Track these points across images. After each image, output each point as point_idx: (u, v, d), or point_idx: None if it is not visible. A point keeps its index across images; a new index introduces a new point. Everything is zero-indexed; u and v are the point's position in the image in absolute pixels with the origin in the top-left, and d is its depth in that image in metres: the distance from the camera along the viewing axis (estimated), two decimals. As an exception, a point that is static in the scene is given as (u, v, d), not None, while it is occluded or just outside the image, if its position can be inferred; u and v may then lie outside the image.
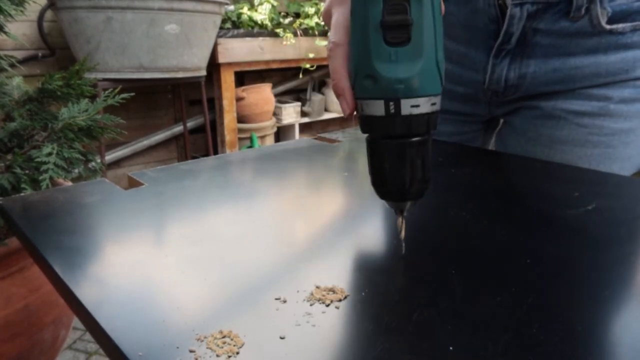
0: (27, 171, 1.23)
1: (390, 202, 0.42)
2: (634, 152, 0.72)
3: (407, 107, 0.37)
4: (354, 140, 0.83)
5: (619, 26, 0.65)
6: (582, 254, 0.43)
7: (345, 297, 0.36)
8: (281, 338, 0.32)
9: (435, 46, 0.37)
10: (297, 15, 3.14)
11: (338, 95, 0.42)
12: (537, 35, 0.68)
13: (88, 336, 1.78)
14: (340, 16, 0.43)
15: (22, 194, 0.55)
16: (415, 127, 0.37)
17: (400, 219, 0.42)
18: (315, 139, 0.82)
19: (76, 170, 1.36)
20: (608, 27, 0.65)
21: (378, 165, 0.40)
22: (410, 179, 0.39)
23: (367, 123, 0.39)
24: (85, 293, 0.36)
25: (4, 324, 1.20)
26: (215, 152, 2.92)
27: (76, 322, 1.67)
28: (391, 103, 0.37)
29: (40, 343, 1.31)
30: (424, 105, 0.37)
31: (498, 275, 0.39)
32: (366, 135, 0.40)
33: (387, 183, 0.40)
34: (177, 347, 0.30)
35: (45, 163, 1.19)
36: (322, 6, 0.47)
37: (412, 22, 0.35)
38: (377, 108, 0.37)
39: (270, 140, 3.17)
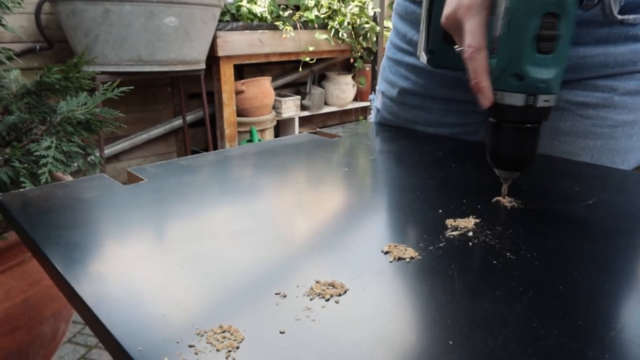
0: (25, 165, 1.22)
1: (506, 171, 0.52)
2: (637, 144, 0.71)
3: (542, 101, 0.47)
4: (353, 135, 0.82)
5: (630, 17, 0.65)
6: (582, 248, 0.43)
7: (345, 292, 0.36)
8: (281, 333, 0.32)
9: (568, 56, 0.47)
10: (296, 8, 3.13)
11: (478, 91, 0.50)
12: None
13: (88, 330, 1.78)
14: (475, 24, 0.50)
15: (21, 190, 0.55)
16: (542, 116, 0.48)
17: (504, 190, 0.53)
18: (315, 133, 0.82)
19: (75, 164, 1.36)
20: (620, 17, 0.65)
21: (505, 143, 0.51)
22: (530, 154, 0.50)
23: (504, 110, 0.49)
24: (85, 288, 0.36)
25: (3, 318, 1.20)
26: (215, 146, 2.91)
27: (76, 315, 1.67)
28: (531, 97, 0.47)
29: (40, 337, 1.31)
30: (552, 101, 0.47)
31: (498, 269, 0.39)
32: (492, 120, 0.51)
33: (512, 157, 0.51)
34: (177, 342, 0.30)
35: (44, 157, 1.19)
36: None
37: (559, 37, 0.45)
38: (517, 100, 0.47)
39: (270, 134, 3.16)
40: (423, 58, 0.69)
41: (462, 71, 0.66)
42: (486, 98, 0.50)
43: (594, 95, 0.70)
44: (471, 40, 0.50)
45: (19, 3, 1.27)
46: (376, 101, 0.94)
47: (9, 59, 1.32)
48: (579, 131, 0.71)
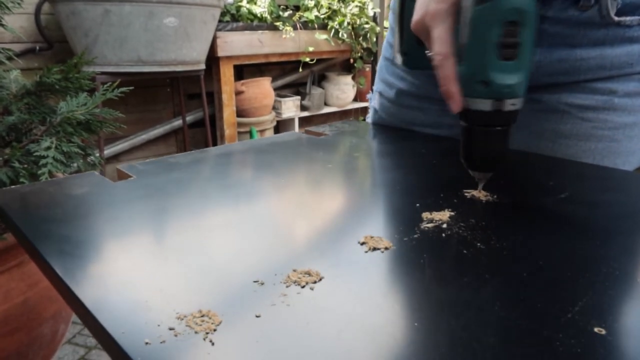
0: (25, 165, 1.24)
1: (478, 172, 0.55)
2: (638, 146, 0.71)
3: (509, 105, 0.49)
4: (340, 133, 0.84)
5: (627, 19, 0.65)
6: (550, 239, 0.44)
7: (320, 279, 0.38)
8: (257, 316, 0.33)
9: (531, 60, 0.50)
10: (296, 8, 3.15)
11: (448, 98, 0.52)
12: (544, 22, 0.68)
13: (87, 331, 1.78)
14: (443, 32, 0.51)
15: (12, 187, 0.57)
16: (510, 119, 0.51)
17: (480, 187, 0.56)
18: (303, 132, 0.84)
19: (75, 165, 1.37)
20: (617, 18, 0.65)
21: (477, 146, 0.53)
22: (500, 155, 0.53)
23: (473, 115, 0.51)
24: (72, 277, 0.38)
25: (3, 319, 1.21)
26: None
27: (75, 317, 1.68)
28: (498, 102, 0.49)
29: (40, 338, 1.32)
30: (518, 104, 0.50)
31: (468, 258, 0.41)
32: (463, 124, 0.53)
33: (483, 159, 0.53)
34: (158, 325, 0.32)
35: (44, 157, 1.20)
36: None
37: (520, 44, 0.47)
38: (485, 105, 0.49)
39: (269, 134, 3.18)
40: (398, 59, 0.70)
41: (432, 71, 0.69)
42: (455, 103, 0.52)
43: (594, 97, 0.69)
44: (439, 48, 0.52)
45: (18, 3, 1.28)
46: (373, 101, 0.95)
47: (9, 59, 1.34)
48: (580, 134, 0.71)
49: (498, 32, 0.46)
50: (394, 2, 0.86)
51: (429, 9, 0.52)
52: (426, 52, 0.56)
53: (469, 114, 0.51)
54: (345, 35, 3.21)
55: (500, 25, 0.46)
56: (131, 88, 1.46)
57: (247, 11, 2.82)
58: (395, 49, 0.71)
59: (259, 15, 2.86)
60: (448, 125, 0.84)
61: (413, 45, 0.66)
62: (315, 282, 0.37)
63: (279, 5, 3.03)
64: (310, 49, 3.10)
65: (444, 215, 0.48)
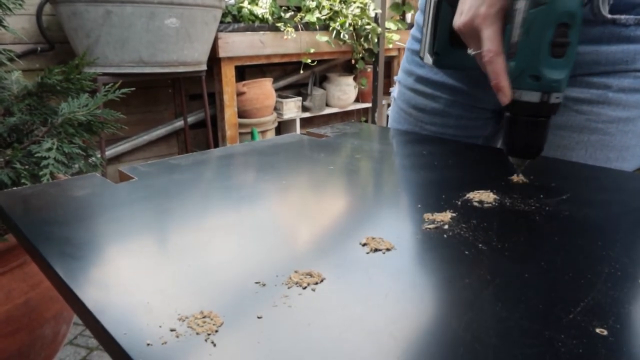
0: (27, 166, 1.24)
1: (519, 159, 0.60)
2: (633, 142, 0.72)
3: (554, 98, 0.55)
4: (341, 135, 0.84)
5: (622, 17, 0.66)
6: (552, 240, 0.44)
7: (322, 280, 0.38)
8: (258, 317, 0.33)
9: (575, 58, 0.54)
10: (298, 9, 3.14)
11: (498, 91, 0.57)
12: None
13: (89, 332, 1.78)
14: (493, 32, 0.57)
15: (14, 189, 0.57)
16: (552, 111, 0.56)
17: (519, 172, 0.61)
18: (304, 134, 0.84)
19: (76, 166, 1.37)
20: (610, 16, 0.66)
21: (520, 134, 0.58)
22: (541, 144, 0.58)
23: (521, 106, 0.56)
24: (73, 278, 0.38)
25: (4, 319, 1.21)
26: (216, 147, 2.92)
27: (77, 318, 1.68)
28: (545, 95, 0.54)
29: (41, 338, 1.32)
30: (561, 98, 0.55)
31: (469, 259, 0.41)
32: (508, 114, 0.58)
33: (526, 146, 0.59)
34: (160, 326, 0.32)
35: (45, 158, 1.20)
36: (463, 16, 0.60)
37: (569, 43, 0.52)
38: (534, 97, 0.55)
39: (271, 135, 3.18)
40: (428, 59, 0.73)
41: (464, 70, 0.73)
42: (505, 96, 0.57)
43: (589, 91, 0.71)
44: (490, 45, 0.56)
45: (20, 4, 1.28)
46: (394, 91, 0.97)
47: (10, 60, 1.34)
48: (574, 126, 0.73)
49: (551, 32, 0.51)
50: (422, 2, 0.87)
51: (479, 12, 0.57)
52: (469, 51, 0.61)
53: (516, 105, 0.56)
54: (346, 36, 3.20)
55: (554, 27, 0.51)
56: (132, 89, 1.46)
57: (248, 12, 2.81)
58: (424, 49, 0.73)
59: (260, 16, 2.85)
60: (457, 115, 0.86)
61: (445, 46, 0.70)
62: (316, 283, 0.37)
63: (281, 6, 3.03)
64: (312, 50, 3.10)
65: (446, 216, 0.48)
